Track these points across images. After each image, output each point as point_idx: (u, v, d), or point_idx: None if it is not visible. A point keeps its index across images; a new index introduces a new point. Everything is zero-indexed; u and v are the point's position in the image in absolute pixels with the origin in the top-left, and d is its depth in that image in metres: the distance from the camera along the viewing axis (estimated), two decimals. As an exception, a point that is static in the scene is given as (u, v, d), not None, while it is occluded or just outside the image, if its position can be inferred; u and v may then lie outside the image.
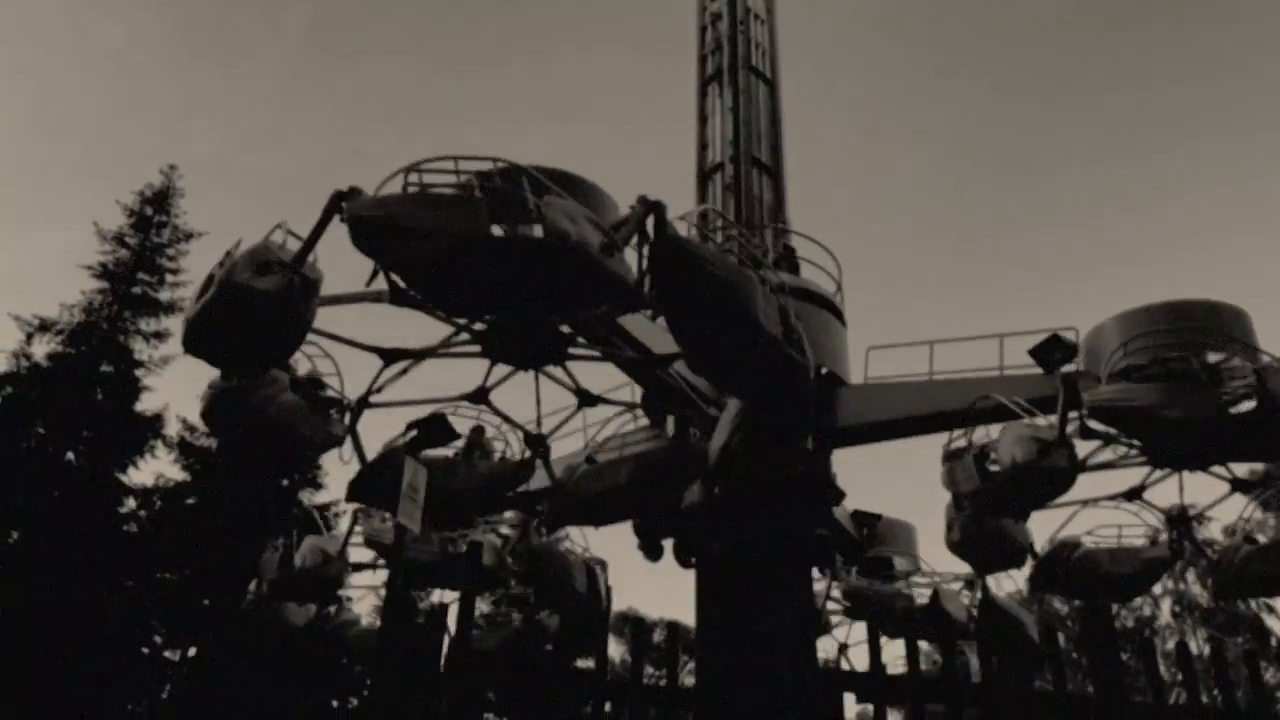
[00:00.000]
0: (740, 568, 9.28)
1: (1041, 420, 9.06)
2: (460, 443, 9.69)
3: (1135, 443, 9.65)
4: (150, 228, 31.06)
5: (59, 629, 22.43)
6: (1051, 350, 9.12)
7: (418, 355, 8.07)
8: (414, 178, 6.50)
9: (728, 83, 18.04)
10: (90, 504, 25.90)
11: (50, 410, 26.90)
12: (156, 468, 42.56)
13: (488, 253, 5.89)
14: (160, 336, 29.77)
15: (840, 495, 9.60)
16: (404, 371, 8.33)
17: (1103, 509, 12.17)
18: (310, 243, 6.76)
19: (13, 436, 26.38)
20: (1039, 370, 9.47)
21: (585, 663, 14.97)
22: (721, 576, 9.47)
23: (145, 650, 26.27)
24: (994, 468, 9.46)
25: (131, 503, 28.20)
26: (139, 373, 29.21)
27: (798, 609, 9.14)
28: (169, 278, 30.65)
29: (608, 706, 5.89)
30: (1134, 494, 11.63)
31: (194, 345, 6.87)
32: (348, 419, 8.77)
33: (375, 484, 8.67)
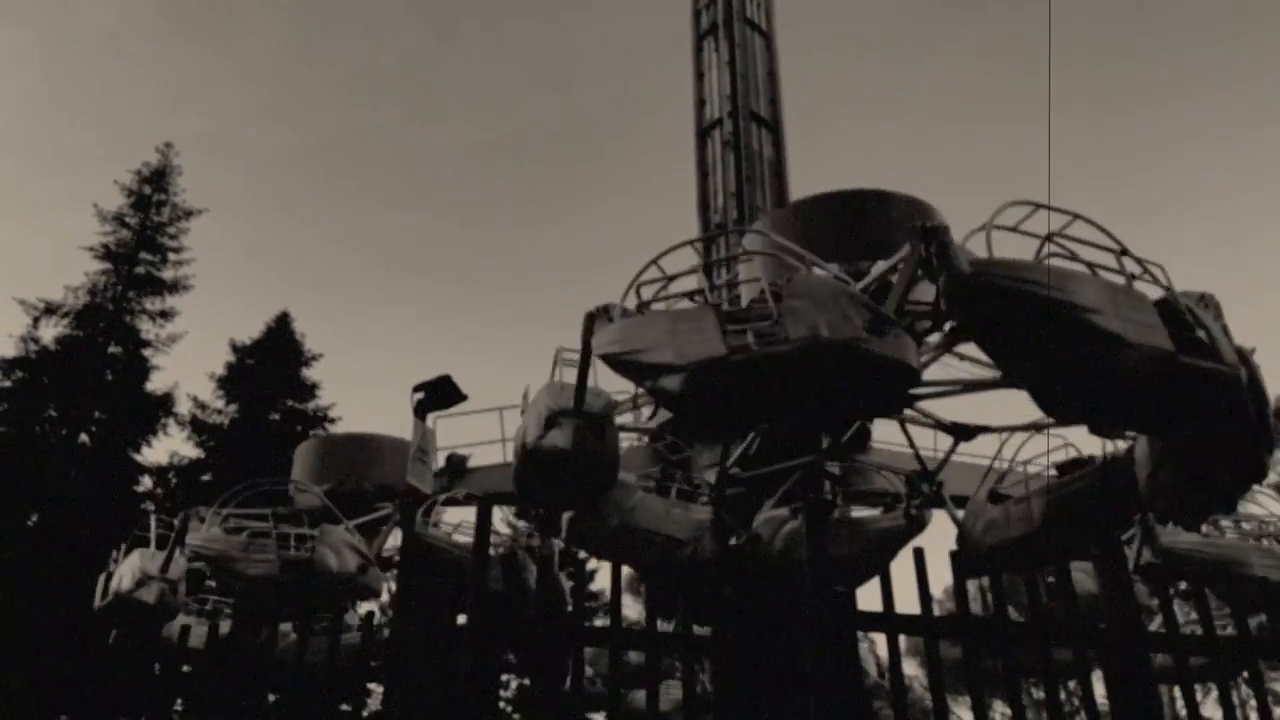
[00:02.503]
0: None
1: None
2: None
3: None
4: (150, 207, 31.03)
5: (79, 608, 22.72)
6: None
7: None
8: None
9: (723, 37, 17.83)
10: (106, 484, 26.13)
11: (61, 393, 27.06)
12: (170, 446, 42.66)
13: (281, 589, 8.75)
14: (166, 315, 29.91)
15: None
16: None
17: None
18: (168, 560, 9.59)
19: (26, 420, 26.57)
20: None
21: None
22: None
23: (168, 625, 26.64)
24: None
25: (147, 481, 28.47)
26: (147, 352, 29.38)
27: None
28: (171, 256, 30.72)
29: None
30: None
31: (107, 621, 10.30)
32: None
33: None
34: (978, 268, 5.19)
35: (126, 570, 9.74)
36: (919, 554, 5.73)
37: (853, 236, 7.87)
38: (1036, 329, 5.23)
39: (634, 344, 5.94)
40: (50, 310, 28.55)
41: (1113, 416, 6.08)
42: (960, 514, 7.90)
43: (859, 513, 9.01)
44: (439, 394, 8.00)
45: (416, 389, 8.09)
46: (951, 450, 8.57)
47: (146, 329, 29.61)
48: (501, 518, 9.68)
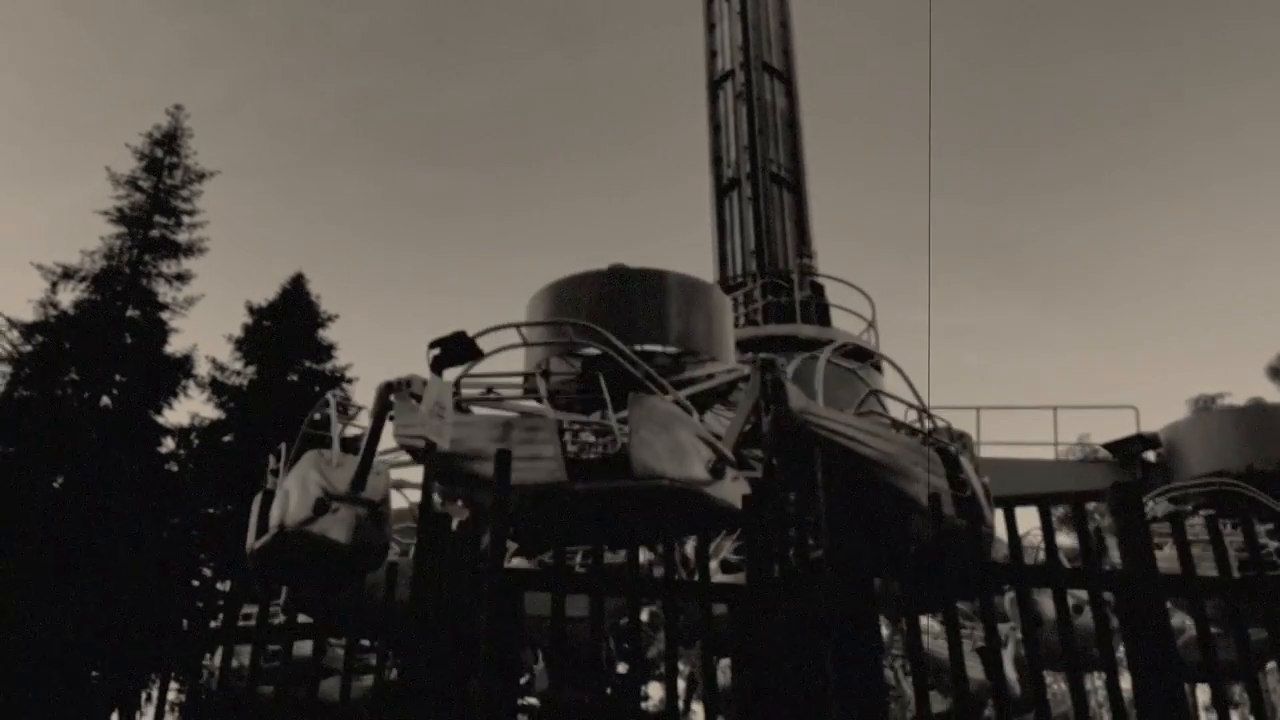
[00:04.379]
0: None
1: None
2: None
3: None
4: (162, 170, 31.02)
5: (109, 569, 23.17)
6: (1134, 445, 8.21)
7: None
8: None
9: (735, -15, 17.59)
10: (129, 446, 26.50)
11: (82, 356, 27.34)
12: (191, 407, 43.09)
13: None
14: (182, 278, 30.00)
15: None
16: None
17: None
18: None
19: (47, 384, 26.90)
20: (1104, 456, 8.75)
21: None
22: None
23: (195, 583, 27.14)
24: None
25: (170, 442, 28.84)
26: (164, 315, 29.56)
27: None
28: (185, 219, 30.74)
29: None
30: None
31: None
32: None
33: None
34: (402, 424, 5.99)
35: None
36: (934, 499, 5.76)
37: (624, 317, 7.77)
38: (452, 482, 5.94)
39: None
40: (68, 275, 28.72)
41: (555, 540, 6.38)
42: None
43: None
44: (455, 351, 7.99)
45: (432, 345, 8.10)
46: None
47: (163, 292, 29.78)
48: None
